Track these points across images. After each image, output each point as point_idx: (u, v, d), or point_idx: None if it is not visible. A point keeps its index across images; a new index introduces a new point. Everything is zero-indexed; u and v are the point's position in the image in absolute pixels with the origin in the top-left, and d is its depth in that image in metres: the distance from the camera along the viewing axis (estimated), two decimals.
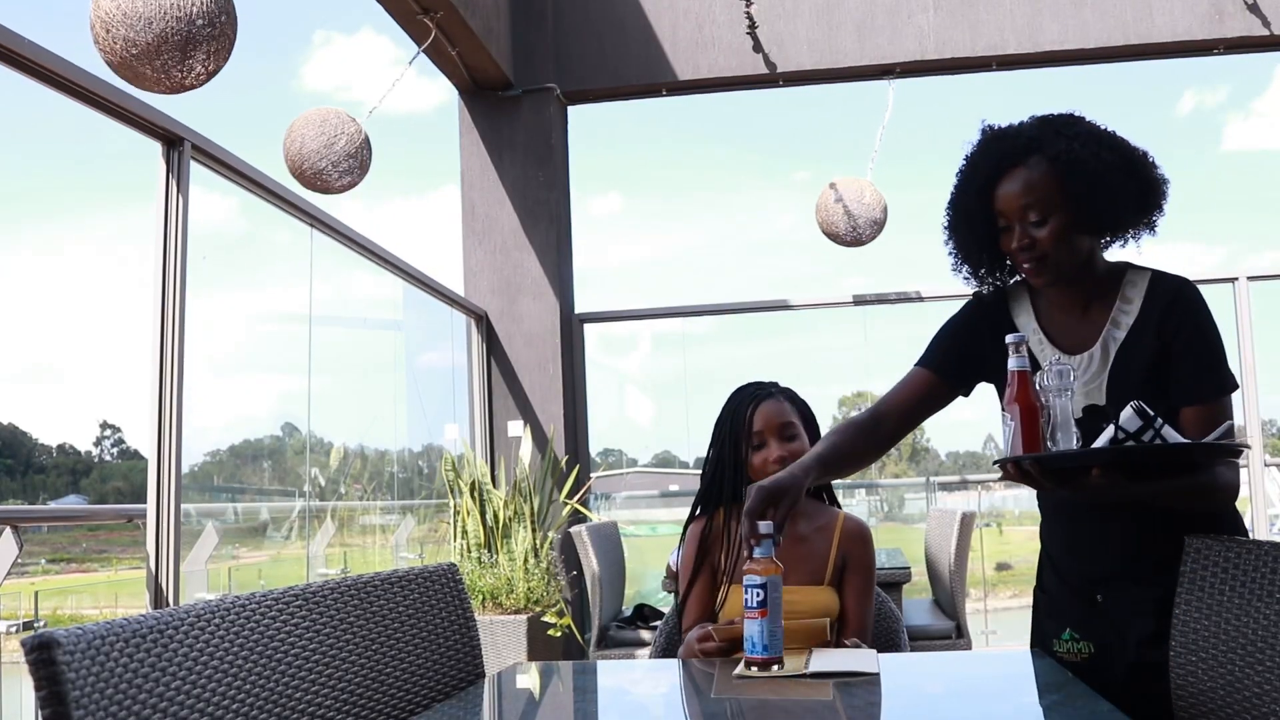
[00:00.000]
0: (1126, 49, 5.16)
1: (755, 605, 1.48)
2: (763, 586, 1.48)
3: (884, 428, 1.87)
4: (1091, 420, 1.67)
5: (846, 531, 2.08)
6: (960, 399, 1.91)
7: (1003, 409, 1.57)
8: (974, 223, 1.75)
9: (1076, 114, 1.74)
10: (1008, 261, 1.80)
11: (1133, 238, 1.74)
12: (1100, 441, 1.52)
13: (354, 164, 3.84)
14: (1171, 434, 1.50)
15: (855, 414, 1.92)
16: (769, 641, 1.48)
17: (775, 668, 1.48)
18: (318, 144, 3.76)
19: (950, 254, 1.83)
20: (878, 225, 5.10)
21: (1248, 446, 1.60)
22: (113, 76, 2.55)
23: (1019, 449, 1.54)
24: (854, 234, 5.05)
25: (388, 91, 4.33)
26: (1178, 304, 1.69)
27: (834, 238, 5.12)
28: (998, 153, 1.71)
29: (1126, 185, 1.67)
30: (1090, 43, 5.14)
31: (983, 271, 1.82)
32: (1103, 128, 1.71)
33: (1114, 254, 1.79)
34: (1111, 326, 1.73)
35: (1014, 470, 1.55)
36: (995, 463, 1.62)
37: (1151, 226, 1.73)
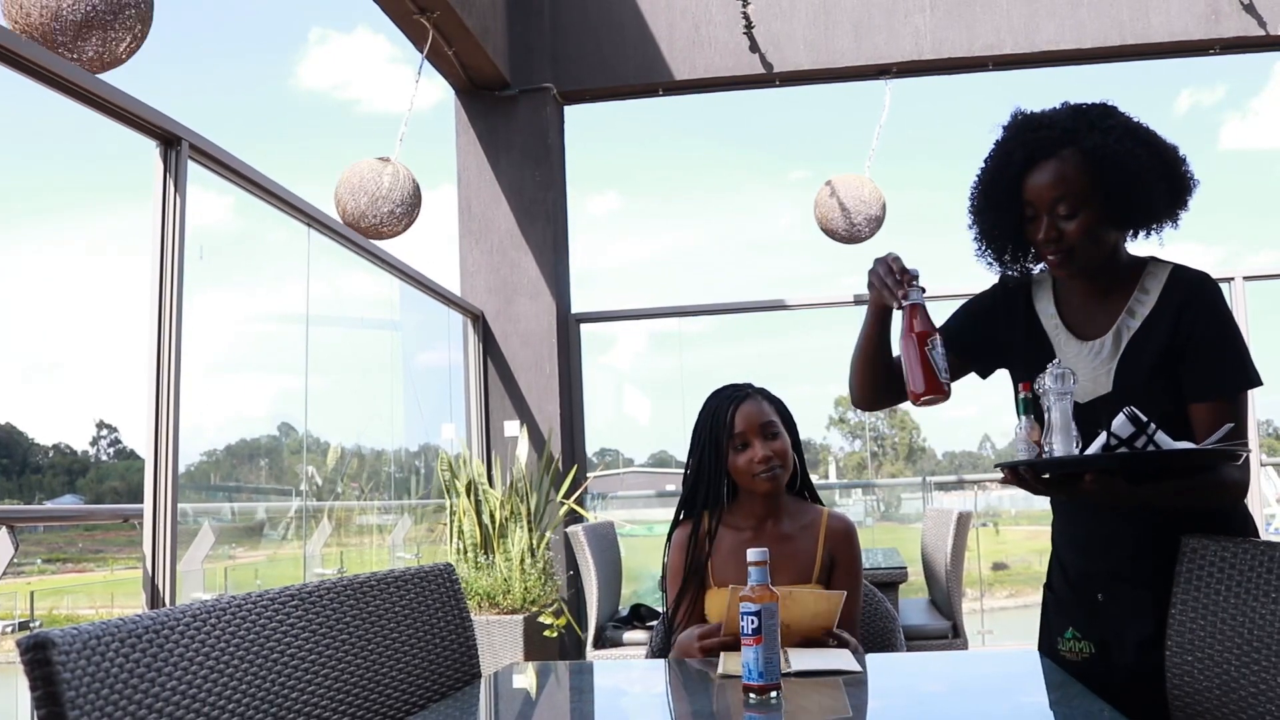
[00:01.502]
0: (1123, 49, 5.16)
1: (750, 632, 1.48)
2: (758, 614, 1.48)
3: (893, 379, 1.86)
4: (1092, 414, 1.66)
5: (832, 530, 2.09)
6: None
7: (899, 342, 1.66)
8: (1001, 209, 1.74)
9: (1110, 104, 1.72)
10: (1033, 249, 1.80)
11: (1156, 231, 1.73)
12: (1093, 448, 1.51)
13: (404, 210, 4.07)
14: (1165, 439, 1.49)
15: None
16: (765, 668, 1.48)
17: (773, 694, 1.48)
18: (360, 204, 4.01)
19: (974, 238, 1.82)
20: (876, 222, 5.08)
21: (1247, 450, 1.58)
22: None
23: (918, 380, 1.63)
24: (851, 231, 5.03)
25: (409, 114, 4.39)
26: (1195, 299, 1.68)
27: (831, 234, 5.10)
28: (1032, 142, 1.69)
29: (1158, 182, 1.66)
30: (1086, 42, 5.14)
31: (1007, 257, 1.81)
32: (1136, 121, 1.70)
33: (1138, 248, 1.78)
34: (1126, 315, 1.72)
35: (1010, 475, 1.55)
36: (996, 465, 1.63)
37: (1175, 221, 1.72)
